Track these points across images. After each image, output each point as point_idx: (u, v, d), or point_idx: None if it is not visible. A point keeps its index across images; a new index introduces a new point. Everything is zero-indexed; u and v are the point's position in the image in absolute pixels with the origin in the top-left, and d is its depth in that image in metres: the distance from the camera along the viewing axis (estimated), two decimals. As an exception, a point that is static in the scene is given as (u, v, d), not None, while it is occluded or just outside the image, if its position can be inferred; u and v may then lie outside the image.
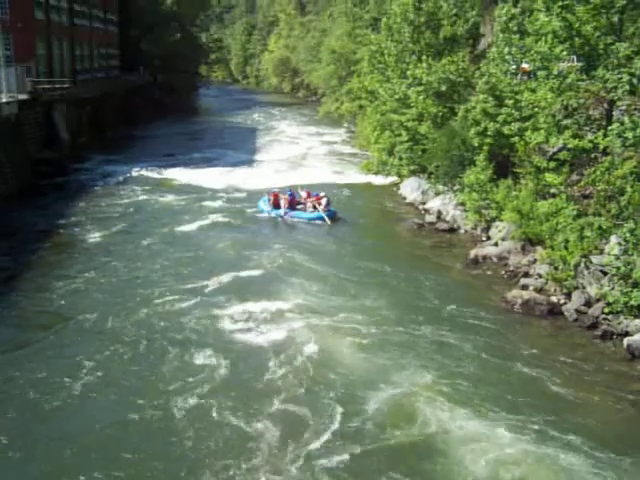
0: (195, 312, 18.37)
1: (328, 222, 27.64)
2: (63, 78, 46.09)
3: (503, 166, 25.67)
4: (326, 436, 12.85)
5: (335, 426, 13.17)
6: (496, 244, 23.53)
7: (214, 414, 13.53)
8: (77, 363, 15.38)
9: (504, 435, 12.83)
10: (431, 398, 14.19)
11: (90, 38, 58.31)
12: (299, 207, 29.07)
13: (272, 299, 19.43)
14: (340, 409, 13.76)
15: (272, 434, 12.93)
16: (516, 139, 24.43)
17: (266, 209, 29.10)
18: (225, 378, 15.06)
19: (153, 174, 38.37)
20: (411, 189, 32.39)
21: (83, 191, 33.40)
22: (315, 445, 12.58)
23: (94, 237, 25.18)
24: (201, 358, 15.78)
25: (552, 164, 22.74)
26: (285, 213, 28.57)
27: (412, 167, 33.45)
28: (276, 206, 28.98)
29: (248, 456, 12.26)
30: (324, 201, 28.36)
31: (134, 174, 38.13)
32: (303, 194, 29.66)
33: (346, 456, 12.27)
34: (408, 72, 32.77)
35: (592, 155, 22.09)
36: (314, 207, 28.48)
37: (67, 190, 33.56)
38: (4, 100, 32.51)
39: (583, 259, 18.96)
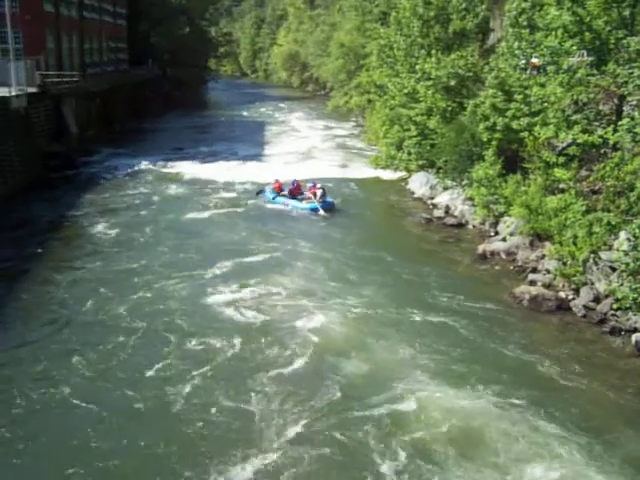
0: (197, 298, 18.82)
1: (322, 213, 28.05)
2: (72, 71, 46.19)
3: (512, 161, 25.57)
4: (310, 407, 13.59)
5: (321, 398, 13.90)
6: (504, 239, 23.46)
7: (213, 395, 13.86)
8: (81, 353, 15.50)
9: (506, 421, 12.89)
10: (426, 380, 14.54)
11: (99, 31, 58.42)
12: (300, 197, 29.55)
13: (277, 286, 19.83)
14: (330, 384, 14.45)
15: (263, 409, 13.46)
16: (525, 134, 24.33)
17: (270, 197, 30.05)
18: (224, 358, 15.55)
19: (161, 167, 38.45)
20: (419, 184, 32.31)
21: (92, 184, 33.51)
22: (302, 415, 13.28)
23: (102, 230, 25.27)
24: (201, 341, 16.22)
25: (561, 159, 22.62)
26: (276, 199, 29.60)
27: (420, 162, 33.39)
28: (279, 194, 30.02)
29: (244, 430, 12.80)
30: (319, 192, 28.75)
31: (142, 167, 38.22)
32: (310, 185, 29.91)
33: (334, 422, 13.09)
34: (417, 66, 32.69)
35: (602, 150, 21.93)
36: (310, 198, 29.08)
37: (76, 183, 33.68)
38: (13, 93, 32.57)
39: (592, 255, 18.88)
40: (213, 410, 13.36)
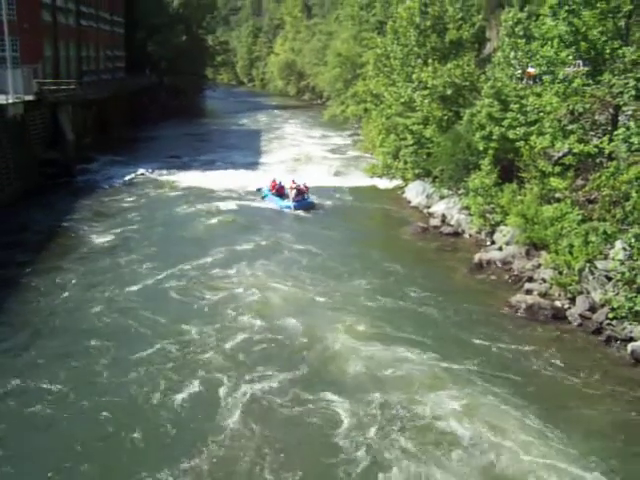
0: (181, 300, 19.46)
1: (292, 211, 30.70)
2: (69, 79, 46.17)
3: (508, 170, 25.63)
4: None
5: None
6: (500, 248, 23.48)
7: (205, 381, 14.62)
8: (70, 359, 15.73)
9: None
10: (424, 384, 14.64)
11: (97, 40, 58.44)
12: (283, 196, 32.43)
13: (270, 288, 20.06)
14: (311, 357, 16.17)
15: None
16: (521, 143, 24.38)
17: (263, 194, 32.99)
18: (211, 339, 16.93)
19: (158, 175, 38.48)
20: (416, 193, 32.37)
21: (88, 191, 33.52)
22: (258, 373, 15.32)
23: (97, 238, 25.29)
24: (183, 331, 17.31)
25: (557, 169, 22.70)
26: (267, 197, 32.68)
27: (417, 171, 33.43)
28: (272, 191, 32.98)
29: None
30: (293, 192, 31.61)
31: (139, 175, 38.25)
32: (301, 184, 32.46)
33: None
34: (414, 76, 32.79)
35: (597, 160, 22.01)
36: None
37: (72, 190, 33.67)
38: (10, 101, 32.59)
39: (588, 264, 18.91)
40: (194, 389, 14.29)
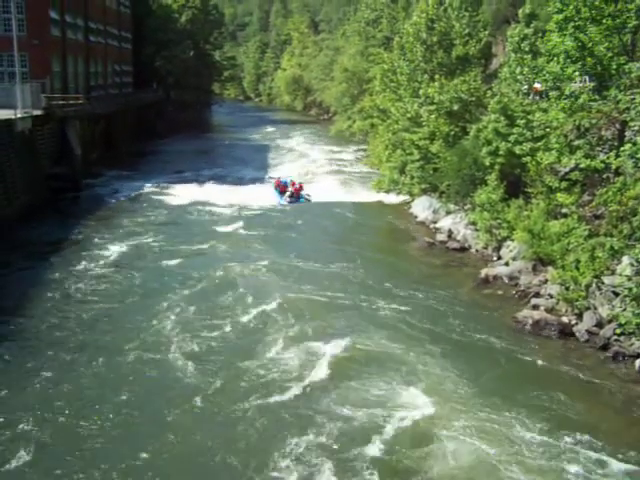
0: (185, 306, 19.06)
1: (285, 205, 35.92)
2: (77, 94, 46.44)
3: (514, 186, 25.63)
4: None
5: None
6: (507, 264, 23.44)
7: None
8: (74, 374, 15.63)
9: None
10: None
11: (105, 55, 58.85)
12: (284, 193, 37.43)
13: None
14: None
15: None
16: (528, 159, 24.40)
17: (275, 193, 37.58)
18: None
19: (164, 190, 38.55)
20: (422, 208, 32.37)
21: (94, 206, 33.62)
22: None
23: (103, 251, 25.30)
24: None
25: (564, 184, 22.68)
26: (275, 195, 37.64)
27: (423, 186, 33.46)
28: (276, 188, 38.22)
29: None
30: (288, 184, 37.57)
31: (145, 190, 38.33)
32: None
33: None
34: (420, 91, 32.91)
35: (604, 175, 21.99)
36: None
37: (79, 205, 33.83)
38: (19, 115, 32.79)
39: (595, 280, 18.86)
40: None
